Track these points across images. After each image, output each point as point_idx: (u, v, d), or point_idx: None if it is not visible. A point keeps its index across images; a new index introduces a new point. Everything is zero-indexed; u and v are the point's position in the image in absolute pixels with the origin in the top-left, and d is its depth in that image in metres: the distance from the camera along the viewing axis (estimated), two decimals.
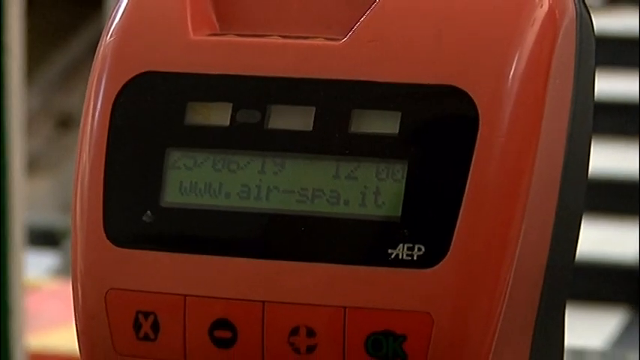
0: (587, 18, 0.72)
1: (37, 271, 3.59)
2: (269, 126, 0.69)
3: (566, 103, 0.70)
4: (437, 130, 0.68)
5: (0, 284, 2.91)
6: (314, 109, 0.69)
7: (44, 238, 3.85)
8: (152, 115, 0.71)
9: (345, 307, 0.67)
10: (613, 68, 5.07)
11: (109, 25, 0.74)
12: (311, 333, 0.67)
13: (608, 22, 5.34)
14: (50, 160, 6.50)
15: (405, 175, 0.67)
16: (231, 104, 0.70)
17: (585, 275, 3.69)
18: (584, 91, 0.72)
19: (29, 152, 3.70)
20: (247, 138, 0.69)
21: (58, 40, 7.12)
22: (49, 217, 4.56)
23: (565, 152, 0.71)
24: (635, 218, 4.12)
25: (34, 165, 5.55)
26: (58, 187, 5.96)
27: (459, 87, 0.67)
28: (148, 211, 0.69)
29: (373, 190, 0.68)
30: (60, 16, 7.30)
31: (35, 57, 5.19)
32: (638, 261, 3.96)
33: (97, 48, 0.73)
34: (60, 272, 3.98)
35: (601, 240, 3.94)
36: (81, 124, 0.72)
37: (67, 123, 6.86)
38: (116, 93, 0.71)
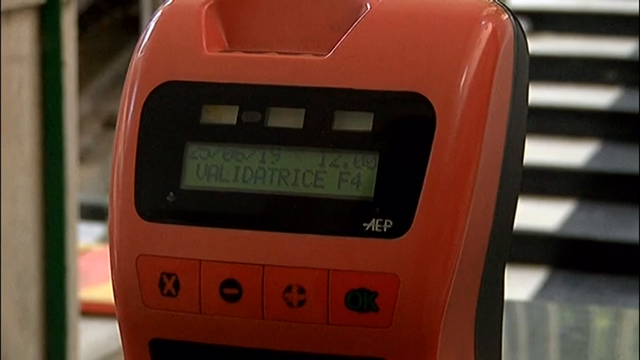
0: (522, 39, 0.72)
1: (87, 238, 3.57)
2: (268, 124, 0.69)
3: (505, 107, 0.70)
4: (402, 127, 0.67)
5: (58, 249, 2.89)
6: (304, 110, 0.68)
7: (93, 213, 3.84)
8: (174, 116, 0.70)
9: (328, 270, 0.66)
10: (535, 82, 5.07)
11: (139, 44, 0.73)
12: (301, 290, 0.66)
13: (533, 45, 5.32)
14: (98, 152, 6.52)
15: (376, 164, 0.67)
16: (237, 107, 0.69)
17: (515, 241, 3.69)
18: (519, 99, 0.72)
19: (81, 146, 3.69)
20: (250, 134, 0.69)
21: (104, 59, 7.15)
22: (97, 197, 4.55)
23: (504, 146, 0.70)
24: (555, 198, 4.11)
25: (85, 156, 5.58)
26: (104, 173, 6.01)
27: (420, 93, 0.67)
28: (171, 193, 0.69)
29: (351, 176, 0.67)
30: (106, 40, 7.33)
31: (86, 71, 5.18)
32: (556, 231, 3.96)
33: (130, 62, 0.73)
34: (105, 239, 3.96)
35: (529, 213, 3.95)
36: (117, 123, 0.72)
37: (111, 123, 6.87)
38: (145, 98, 0.71)
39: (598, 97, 4.66)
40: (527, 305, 1.98)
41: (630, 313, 1.75)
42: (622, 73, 4.81)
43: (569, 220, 4.08)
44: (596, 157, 4.37)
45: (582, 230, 4.03)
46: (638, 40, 4.94)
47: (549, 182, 4.19)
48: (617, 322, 1.68)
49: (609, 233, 4.00)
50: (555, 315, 1.70)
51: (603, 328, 1.64)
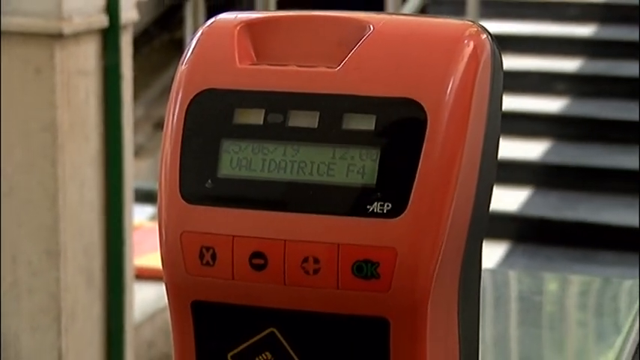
0: (498, 56, 0.71)
1: (140, 217, 3.56)
2: (288, 124, 0.68)
3: (483, 111, 0.69)
4: (399, 127, 0.67)
5: (117, 225, 2.89)
6: (318, 113, 0.68)
7: (145, 197, 3.83)
8: (211, 118, 0.70)
9: (338, 244, 0.65)
10: None
11: (183, 59, 0.72)
12: (316, 261, 0.66)
13: None
14: (149, 148, 6.54)
15: (378, 157, 0.66)
16: (263, 110, 0.69)
17: None
18: (495, 104, 0.71)
19: (136, 143, 3.68)
20: (274, 132, 0.68)
21: (154, 73, 7.15)
22: (148, 184, 4.53)
23: (483, 143, 0.69)
24: (516, 185, 4.10)
25: (138, 151, 5.59)
26: (154, 165, 6.04)
27: (414, 99, 0.66)
28: (209, 180, 0.68)
29: (357, 167, 0.66)
30: (155, 58, 7.33)
31: (140, 83, 5.18)
32: (517, 212, 3.95)
33: (175, 73, 0.72)
34: (154, 218, 3.96)
35: (495, 197, 3.92)
36: (165, 124, 0.71)
37: (159, 125, 6.89)
38: (187, 103, 0.70)
39: (550, 104, 4.64)
40: (493, 272, 1.96)
41: (575, 279, 1.74)
42: (570, 84, 4.80)
43: (528, 203, 4.07)
44: (549, 153, 4.36)
45: (538, 211, 4.02)
46: (582, 58, 4.94)
47: (512, 172, 4.17)
48: (565, 285, 1.68)
49: (560, 214, 3.99)
50: (516, 280, 1.70)
51: (554, 291, 1.64)
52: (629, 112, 4.54)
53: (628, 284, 1.76)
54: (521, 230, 3.91)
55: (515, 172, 3.91)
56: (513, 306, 1.50)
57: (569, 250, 3.86)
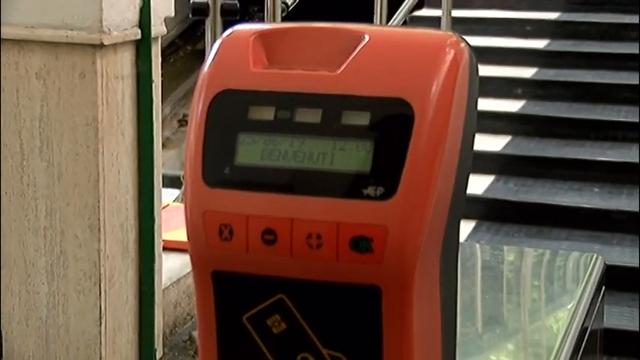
0: (474, 62, 0.71)
1: (168, 198, 3.54)
2: (295, 120, 0.67)
3: (462, 109, 0.68)
4: (391, 122, 0.66)
5: (148, 205, 2.89)
6: (321, 110, 0.67)
7: (171, 181, 3.81)
8: (229, 114, 0.69)
9: (338, 222, 0.65)
10: None
11: (205, 64, 0.72)
12: (319, 237, 0.65)
13: None
14: (175, 141, 6.55)
15: (372, 149, 0.65)
16: (274, 107, 0.68)
17: None
18: (472, 104, 0.70)
19: (163, 137, 3.67)
20: (283, 127, 0.67)
21: (179, 79, 7.16)
22: (174, 171, 4.52)
23: (462, 137, 0.69)
24: (482, 172, 4.09)
25: (166, 143, 5.59)
26: (179, 155, 6.05)
27: (403, 98, 0.65)
28: (227, 167, 0.68)
29: (354, 157, 0.66)
30: (180, 66, 7.35)
31: (167, 87, 5.17)
32: (482, 194, 3.94)
33: (198, 77, 0.72)
34: (180, 199, 3.94)
35: None
36: (189, 120, 0.71)
37: (184, 121, 6.90)
38: (209, 101, 0.69)
39: (510, 105, 4.63)
40: (462, 245, 1.96)
41: (530, 251, 1.74)
42: (526, 89, 4.79)
43: (491, 188, 4.06)
44: (509, 146, 4.34)
45: (500, 195, 4.01)
46: (536, 67, 4.93)
47: (478, 162, 4.14)
48: (522, 257, 1.69)
49: (518, 197, 3.98)
50: (481, 252, 1.70)
51: (512, 261, 1.64)
52: (575, 112, 4.54)
53: (574, 256, 1.77)
54: (485, 210, 3.89)
55: (481, 162, 3.89)
56: (479, 274, 1.50)
57: (525, 227, 3.85)
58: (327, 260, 0.65)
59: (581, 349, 1.20)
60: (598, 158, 4.16)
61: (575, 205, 3.89)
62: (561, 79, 4.83)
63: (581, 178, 4.09)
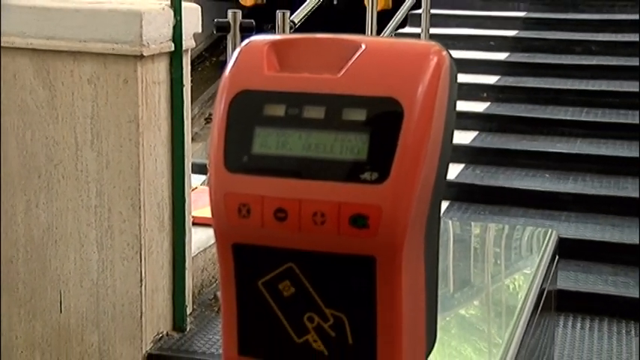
0: (454, 68, 0.70)
1: (196, 182, 3.52)
2: (303, 116, 0.66)
3: (443, 108, 0.67)
4: (383, 117, 0.65)
5: (180, 187, 2.89)
6: (325, 107, 0.66)
7: (199, 168, 3.78)
8: (247, 110, 0.68)
9: (339, 202, 0.64)
10: None
11: (226, 69, 0.71)
12: (323, 215, 0.65)
13: None
14: (202, 136, 6.55)
15: (368, 140, 0.64)
16: (285, 105, 0.67)
17: None
18: (452, 104, 0.69)
19: (193, 132, 3.66)
20: (293, 122, 0.66)
21: (206, 84, 7.15)
22: (201, 160, 4.51)
23: (443, 131, 0.67)
24: (454, 162, 4.07)
25: (195, 137, 5.59)
26: (205, 147, 6.05)
27: (394, 98, 0.64)
28: (245, 156, 0.67)
29: (353, 147, 0.64)
30: (206, 73, 7.33)
31: (196, 90, 5.16)
32: (454, 179, 3.92)
33: (220, 80, 0.70)
34: (206, 183, 3.92)
35: None
36: (213, 116, 0.69)
37: (210, 119, 6.89)
38: (230, 100, 0.68)
39: (477, 106, 4.61)
40: None
41: (493, 226, 1.73)
42: (491, 93, 4.77)
43: (461, 174, 4.04)
44: (476, 140, 4.33)
45: (468, 180, 3.99)
46: (499, 75, 4.91)
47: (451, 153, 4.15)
48: (486, 231, 1.68)
49: (484, 182, 3.97)
50: (453, 228, 1.69)
51: (479, 234, 1.63)
52: (530, 112, 4.53)
53: (529, 230, 1.76)
54: (457, 193, 3.88)
55: (453, 153, 3.86)
56: (451, 246, 1.49)
57: (489, 207, 3.84)
58: (330, 234, 0.64)
59: (540, 307, 1.19)
60: (549, 150, 4.15)
61: (530, 188, 3.88)
62: (519, 84, 4.82)
63: (535, 166, 4.08)
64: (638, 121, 4.30)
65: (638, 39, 5.05)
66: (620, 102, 4.51)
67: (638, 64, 4.79)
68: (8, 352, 2.93)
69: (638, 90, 4.54)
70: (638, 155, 4.01)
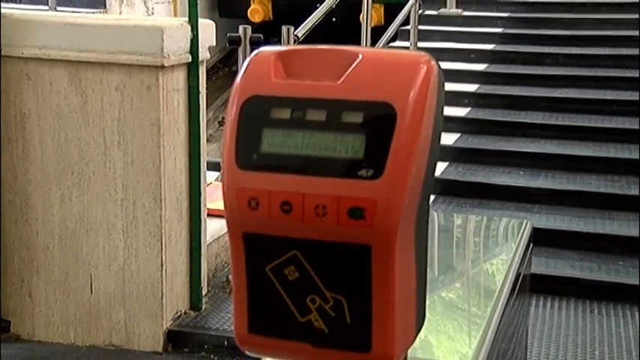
0: (442, 76, 0.67)
1: (210, 178, 3.50)
2: (306, 119, 0.64)
3: (432, 111, 0.65)
4: (378, 120, 0.63)
5: (197, 183, 2.88)
6: (326, 111, 0.64)
7: (213, 166, 3.75)
8: (256, 114, 0.66)
9: (338, 196, 0.62)
10: None
11: (237, 76, 0.68)
12: (324, 207, 0.62)
13: None
14: (215, 137, 6.52)
15: (365, 140, 0.62)
16: (290, 109, 0.65)
17: None
18: (440, 109, 0.67)
19: (207, 134, 3.65)
20: (297, 124, 0.64)
21: (219, 91, 7.11)
22: (215, 159, 4.49)
23: (432, 132, 0.65)
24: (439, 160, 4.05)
25: (209, 139, 5.55)
26: (218, 148, 6.02)
27: (388, 102, 0.62)
28: (255, 155, 0.65)
29: (351, 146, 0.62)
30: (220, 82, 7.29)
31: (210, 97, 5.14)
32: (439, 175, 3.90)
33: (232, 87, 0.68)
34: (219, 179, 3.91)
35: None
36: (226, 119, 0.67)
37: (223, 122, 6.87)
38: (241, 105, 0.66)
39: (459, 112, 4.59)
40: None
41: (473, 217, 1.72)
42: (471, 99, 4.75)
43: (445, 171, 4.03)
44: (458, 140, 4.31)
45: (452, 176, 3.97)
46: (478, 83, 4.89)
47: None
48: (467, 222, 1.67)
49: (465, 178, 3.95)
50: (438, 219, 1.68)
51: (460, 225, 1.62)
52: (506, 116, 4.50)
53: (505, 220, 1.75)
54: (441, 188, 3.86)
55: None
56: (436, 236, 1.48)
57: (470, 200, 3.82)
58: (330, 225, 0.62)
59: (516, 289, 1.18)
60: (522, 150, 4.14)
61: (506, 184, 3.86)
62: (496, 92, 4.80)
63: (510, 165, 4.06)
64: (599, 125, 4.29)
65: (600, 52, 5.04)
66: (584, 108, 4.50)
67: (600, 74, 4.78)
68: (47, 328, 2.92)
69: (599, 97, 4.54)
70: (600, 155, 4.00)
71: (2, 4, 2.84)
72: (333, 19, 6.24)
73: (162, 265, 2.81)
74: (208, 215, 2.99)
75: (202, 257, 2.96)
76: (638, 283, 3.07)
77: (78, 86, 2.79)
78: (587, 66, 4.93)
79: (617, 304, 3.07)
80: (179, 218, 2.87)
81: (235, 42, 3.02)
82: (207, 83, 2.99)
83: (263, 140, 0.64)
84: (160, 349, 2.84)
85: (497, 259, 1.34)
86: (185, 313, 2.94)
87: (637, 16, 5.36)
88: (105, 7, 6.38)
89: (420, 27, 5.08)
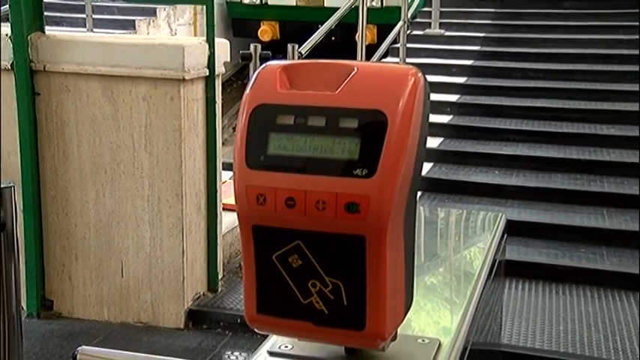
0: (427, 87, 0.66)
1: (225, 177, 3.49)
2: (308, 124, 0.63)
3: (419, 118, 0.64)
4: (371, 125, 0.62)
5: (213, 181, 2.87)
6: (325, 117, 0.63)
7: (227, 166, 3.73)
8: (264, 120, 0.65)
9: (336, 193, 0.61)
10: None
11: (247, 87, 0.68)
12: (323, 203, 0.62)
13: None
14: (230, 141, 6.47)
15: (360, 143, 0.61)
16: (293, 115, 0.64)
17: None
18: (425, 115, 0.66)
19: (223, 138, 3.63)
20: (300, 129, 0.63)
21: (233, 101, 7.05)
22: (229, 160, 4.45)
23: (419, 136, 0.65)
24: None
25: (224, 143, 5.49)
26: (232, 150, 5.97)
27: (380, 109, 0.62)
28: (262, 156, 0.64)
29: (347, 149, 0.62)
30: (234, 93, 7.23)
31: (226, 106, 5.12)
32: (425, 174, 3.88)
33: (243, 97, 0.67)
34: (232, 178, 3.89)
35: None
36: (237, 125, 0.67)
37: (234, 128, 6.80)
38: (250, 112, 0.66)
39: (443, 118, 4.57)
40: None
41: (455, 211, 1.71)
42: (452, 108, 4.73)
43: (430, 171, 4.00)
44: (442, 144, 4.29)
45: (436, 175, 3.95)
46: (459, 94, 4.87)
47: None
48: (449, 215, 1.65)
49: (448, 177, 3.93)
50: (423, 213, 1.66)
51: (443, 218, 1.60)
52: (484, 122, 4.49)
53: (482, 214, 1.74)
54: (427, 185, 3.84)
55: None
56: (422, 227, 1.46)
57: (451, 196, 3.80)
58: (329, 218, 0.61)
59: (493, 273, 1.17)
60: (497, 152, 4.12)
61: (484, 182, 3.85)
62: (475, 102, 4.79)
63: (487, 165, 4.05)
64: (564, 130, 4.29)
65: (564, 68, 5.04)
66: (550, 115, 4.50)
67: (564, 86, 4.78)
68: (84, 307, 2.92)
69: (563, 107, 4.53)
70: (564, 156, 4.00)
71: (46, 27, 2.85)
72: (333, 38, 6.23)
73: (183, 252, 2.81)
74: (223, 209, 2.98)
75: (218, 246, 2.95)
76: (620, 270, 3.06)
77: (110, 97, 2.79)
78: (553, 79, 4.93)
79: (579, 286, 3.07)
80: (198, 212, 2.86)
81: (247, 58, 3.01)
82: (222, 94, 2.98)
83: (269, 143, 0.63)
84: (181, 326, 2.84)
85: (476, 248, 1.33)
86: (203, 294, 2.94)
87: (597, 36, 5.37)
88: (134, 29, 6.38)
89: (409, 45, 5.07)
